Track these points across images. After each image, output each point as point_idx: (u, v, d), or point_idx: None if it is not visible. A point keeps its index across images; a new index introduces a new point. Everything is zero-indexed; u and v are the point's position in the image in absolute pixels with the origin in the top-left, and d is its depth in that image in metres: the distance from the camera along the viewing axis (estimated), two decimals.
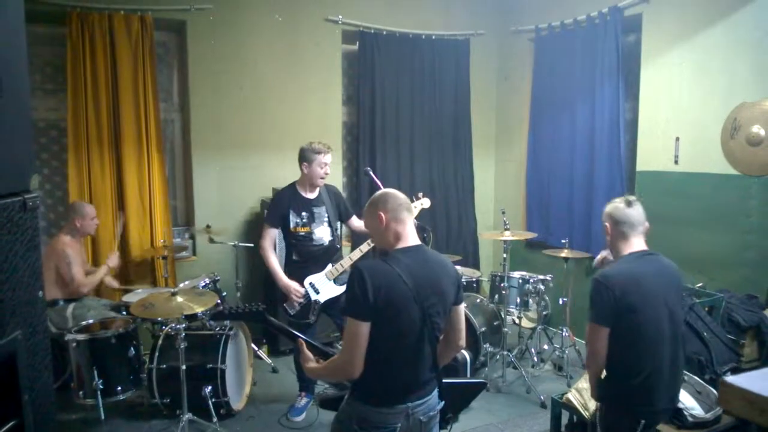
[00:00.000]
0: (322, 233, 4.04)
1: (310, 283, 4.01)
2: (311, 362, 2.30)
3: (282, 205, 4.05)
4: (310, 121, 5.74)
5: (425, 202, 4.05)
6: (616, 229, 2.60)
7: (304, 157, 3.96)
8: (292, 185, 4.12)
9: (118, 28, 4.81)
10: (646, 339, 2.47)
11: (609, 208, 2.66)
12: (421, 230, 2.77)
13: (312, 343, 2.39)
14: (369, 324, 2.03)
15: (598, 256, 4.43)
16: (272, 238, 4.07)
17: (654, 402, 2.50)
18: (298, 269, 4.04)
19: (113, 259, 4.68)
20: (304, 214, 4.01)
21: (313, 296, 4.00)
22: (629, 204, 2.59)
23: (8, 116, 1.26)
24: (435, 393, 2.23)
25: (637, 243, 2.59)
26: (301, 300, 3.98)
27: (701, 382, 3.34)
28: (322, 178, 4.00)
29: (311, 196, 4.06)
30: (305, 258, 4.04)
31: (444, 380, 2.26)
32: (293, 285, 3.97)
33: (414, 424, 2.15)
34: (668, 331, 2.50)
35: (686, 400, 3.15)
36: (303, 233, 4.01)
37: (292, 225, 4.00)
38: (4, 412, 1.28)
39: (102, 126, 4.84)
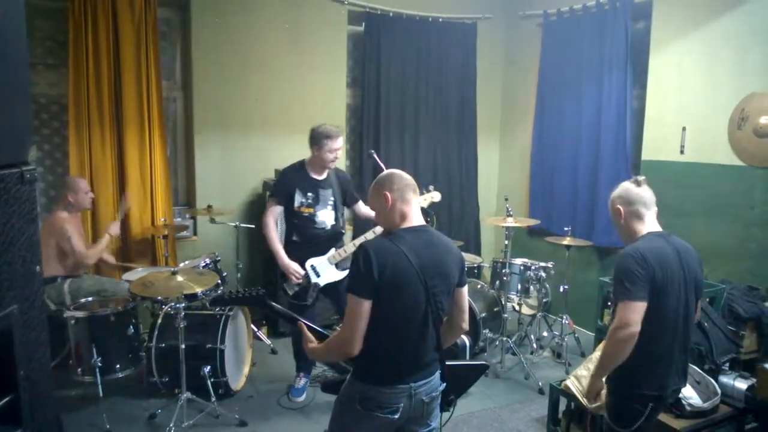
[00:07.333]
0: (325, 216, 4.00)
1: (312, 266, 3.99)
2: (312, 343, 2.30)
3: (289, 183, 4.00)
4: (314, 103, 5.70)
5: (435, 196, 4.02)
6: (629, 209, 2.47)
7: (314, 140, 3.91)
8: (302, 163, 4.07)
9: (120, 3, 4.73)
10: (666, 321, 2.37)
11: (618, 191, 2.53)
12: (425, 214, 2.75)
13: (311, 327, 2.39)
14: (370, 302, 2.03)
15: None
16: (276, 214, 4.04)
17: (664, 384, 2.42)
18: (296, 250, 4.00)
19: (114, 228, 4.62)
20: (309, 194, 3.97)
21: (314, 279, 3.98)
22: (638, 184, 2.49)
23: (5, 86, 1.23)
24: (438, 374, 2.23)
25: (652, 223, 2.47)
26: (301, 281, 3.96)
27: (700, 372, 3.34)
28: (332, 161, 3.96)
29: (319, 177, 4.02)
30: (306, 240, 4.01)
31: (447, 362, 2.26)
32: (293, 265, 3.94)
33: (416, 404, 2.15)
34: (682, 313, 2.41)
35: (685, 390, 3.14)
36: (306, 214, 3.97)
37: (296, 204, 3.96)
38: (0, 388, 1.27)
39: (103, 102, 4.79)
